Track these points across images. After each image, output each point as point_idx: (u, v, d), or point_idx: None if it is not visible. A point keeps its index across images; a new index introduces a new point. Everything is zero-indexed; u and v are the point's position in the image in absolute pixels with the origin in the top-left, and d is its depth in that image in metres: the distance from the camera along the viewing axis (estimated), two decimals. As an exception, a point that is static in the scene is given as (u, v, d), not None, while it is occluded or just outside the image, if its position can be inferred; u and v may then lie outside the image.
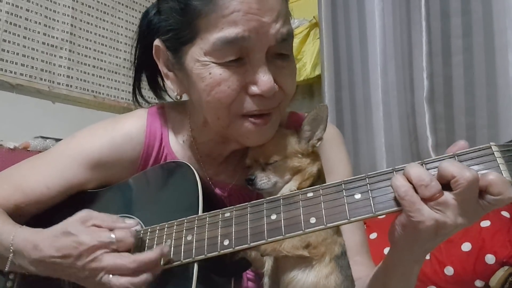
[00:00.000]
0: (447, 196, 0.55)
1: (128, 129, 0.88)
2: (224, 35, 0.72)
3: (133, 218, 0.77)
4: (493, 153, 0.56)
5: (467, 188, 0.53)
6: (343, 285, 0.72)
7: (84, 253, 0.67)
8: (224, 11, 0.71)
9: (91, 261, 0.66)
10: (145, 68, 0.92)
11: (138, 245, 0.71)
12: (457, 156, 0.58)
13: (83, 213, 0.71)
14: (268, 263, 0.77)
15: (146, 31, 0.86)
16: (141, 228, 0.75)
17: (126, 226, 0.70)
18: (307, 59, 2.56)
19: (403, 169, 0.58)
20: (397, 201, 0.57)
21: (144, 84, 0.95)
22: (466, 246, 1.67)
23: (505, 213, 1.70)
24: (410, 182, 0.56)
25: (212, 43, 0.73)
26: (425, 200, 0.55)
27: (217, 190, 0.88)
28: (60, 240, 0.69)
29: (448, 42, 2.05)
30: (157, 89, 0.94)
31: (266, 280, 0.77)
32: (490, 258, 1.61)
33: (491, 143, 0.57)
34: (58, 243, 0.69)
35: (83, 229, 0.69)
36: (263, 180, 0.78)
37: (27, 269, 0.74)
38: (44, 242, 0.70)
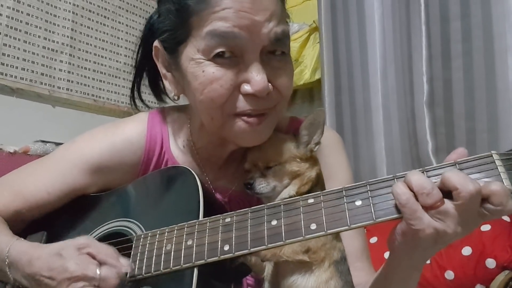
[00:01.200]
0: (448, 205, 0.55)
1: (128, 133, 0.88)
2: (213, 28, 0.72)
3: (127, 258, 0.74)
4: (494, 162, 0.56)
5: (469, 200, 0.53)
6: (342, 290, 0.72)
7: (66, 280, 0.66)
8: (215, 8, 0.72)
9: None
10: (147, 71, 0.93)
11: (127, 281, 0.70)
12: (458, 164, 0.57)
13: (83, 240, 0.70)
14: (268, 268, 0.77)
15: (148, 35, 0.86)
16: (142, 233, 0.75)
17: (117, 265, 0.68)
18: (307, 63, 2.56)
19: (404, 177, 0.58)
20: (397, 209, 0.57)
21: (144, 88, 0.95)
22: (467, 250, 1.66)
23: (505, 218, 1.70)
24: (411, 190, 0.56)
25: (203, 38, 0.73)
26: (426, 208, 0.55)
27: (217, 195, 0.88)
28: (52, 260, 0.69)
29: (447, 46, 2.05)
30: (158, 91, 0.94)
31: (266, 285, 0.77)
32: (490, 263, 1.61)
33: (492, 152, 0.57)
34: (50, 262, 0.69)
35: (75, 255, 0.68)
36: (262, 184, 0.78)
37: (21, 283, 0.74)
38: (39, 258, 0.70)
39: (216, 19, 0.72)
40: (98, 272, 0.66)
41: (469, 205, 0.54)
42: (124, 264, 0.69)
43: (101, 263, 0.67)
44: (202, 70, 0.74)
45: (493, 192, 0.53)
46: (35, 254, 0.71)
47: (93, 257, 0.68)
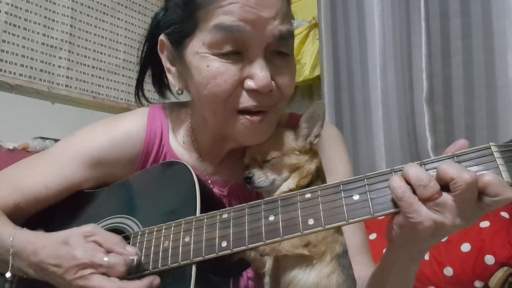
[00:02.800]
0: (446, 196, 0.54)
1: (129, 127, 0.88)
2: (219, 21, 0.73)
3: (133, 246, 0.74)
4: (493, 154, 0.55)
5: (466, 190, 0.53)
6: (344, 285, 0.71)
7: (74, 268, 0.66)
8: (221, 2, 0.73)
9: (78, 278, 0.66)
10: (151, 66, 0.93)
11: (134, 269, 0.69)
12: (456, 156, 0.57)
13: (89, 228, 0.71)
14: (268, 263, 0.76)
15: (154, 31, 0.87)
16: (139, 230, 0.75)
17: (124, 253, 0.68)
18: (307, 60, 2.56)
19: (401, 170, 0.58)
20: (395, 202, 0.57)
21: (146, 85, 0.95)
22: (466, 247, 1.67)
23: (504, 214, 1.70)
24: (409, 183, 0.56)
25: (209, 31, 0.74)
26: (424, 200, 0.55)
27: (216, 189, 0.88)
28: (58, 248, 0.69)
29: (447, 43, 2.05)
30: (162, 87, 0.95)
31: (267, 279, 0.77)
32: (489, 259, 1.61)
33: (490, 143, 0.56)
34: (56, 250, 0.69)
35: (82, 243, 0.68)
36: (261, 178, 0.78)
37: (26, 272, 0.73)
38: (45, 247, 0.70)
39: (222, 13, 0.73)
40: (105, 259, 0.66)
41: (466, 195, 0.54)
42: (131, 252, 0.69)
43: (108, 251, 0.68)
44: (206, 65, 0.75)
45: (487, 183, 0.53)
46: (40, 243, 0.71)
47: (100, 245, 0.68)
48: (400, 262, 0.66)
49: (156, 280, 0.67)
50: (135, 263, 0.69)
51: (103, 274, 0.66)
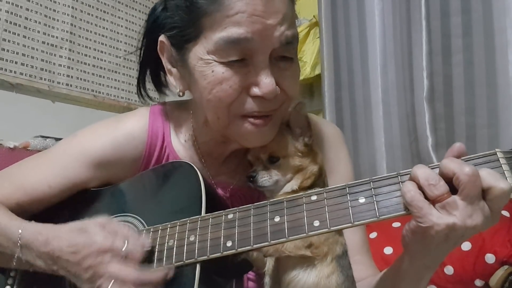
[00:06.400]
0: (455, 197, 0.55)
1: (130, 128, 0.88)
2: (227, 34, 0.72)
3: (144, 228, 0.76)
4: (498, 160, 0.56)
5: (468, 183, 0.54)
6: (343, 285, 0.72)
7: (94, 253, 0.67)
8: (229, 12, 0.71)
9: (97, 264, 0.67)
10: (150, 64, 0.92)
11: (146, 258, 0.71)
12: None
13: (104, 219, 0.72)
14: (269, 263, 0.77)
15: (152, 27, 0.86)
16: (144, 228, 0.75)
17: (140, 240, 0.70)
18: (307, 59, 2.55)
19: (408, 173, 0.58)
20: (401, 206, 0.57)
21: (148, 83, 0.95)
22: (466, 246, 1.66)
23: (505, 213, 1.70)
24: (418, 183, 0.56)
25: (215, 42, 0.73)
26: (434, 201, 0.55)
27: (219, 190, 0.88)
28: (75, 235, 0.70)
29: (448, 41, 2.04)
30: (159, 85, 0.94)
31: (267, 280, 0.77)
32: (490, 258, 1.61)
33: (496, 150, 0.57)
34: (72, 238, 0.70)
35: (100, 230, 0.70)
36: (265, 177, 0.78)
37: (34, 264, 0.74)
38: (58, 237, 0.71)
39: (230, 25, 0.71)
40: (125, 244, 0.67)
41: (469, 189, 0.54)
42: (146, 240, 0.70)
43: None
44: (211, 70, 0.74)
45: (482, 178, 0.54)
46: (52, 233, 0.72)
47: (116, 233, 0.69)
48: (414, 270, 0.66)
49: (171, 272, 0.68)
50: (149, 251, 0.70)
51: (122, 259, 0.67)
